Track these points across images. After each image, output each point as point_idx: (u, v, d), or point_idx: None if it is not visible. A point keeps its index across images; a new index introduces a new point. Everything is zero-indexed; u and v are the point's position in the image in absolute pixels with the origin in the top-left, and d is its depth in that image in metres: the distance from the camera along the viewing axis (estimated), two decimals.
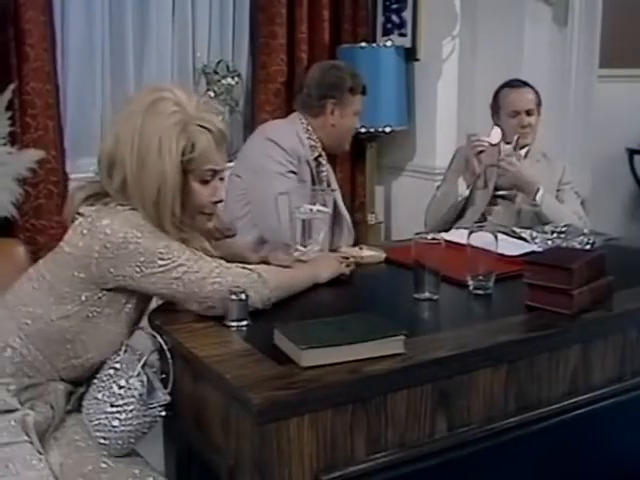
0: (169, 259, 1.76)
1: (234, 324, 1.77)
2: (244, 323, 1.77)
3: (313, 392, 1.49)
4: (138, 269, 1.75)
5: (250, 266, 1.90)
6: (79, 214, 1.82)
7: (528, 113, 3.10)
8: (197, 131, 1.80)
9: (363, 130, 3.95)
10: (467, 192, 3.07)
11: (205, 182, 1.86)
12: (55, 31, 3.35)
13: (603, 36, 3.95)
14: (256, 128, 3.82)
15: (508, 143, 3.01)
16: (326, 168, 2.96)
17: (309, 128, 2.88)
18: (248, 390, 1.46)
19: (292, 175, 2.77)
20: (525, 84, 3.17)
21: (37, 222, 3.31)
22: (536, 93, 3.15)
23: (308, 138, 2.86)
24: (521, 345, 1.78)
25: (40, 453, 1.71)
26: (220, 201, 1.94)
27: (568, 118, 3.94)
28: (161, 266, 1.75)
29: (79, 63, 3.55)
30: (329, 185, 2.97)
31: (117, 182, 1.81)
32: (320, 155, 2.91)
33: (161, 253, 1.76)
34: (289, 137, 2.82)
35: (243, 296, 1.76)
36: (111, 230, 1.74)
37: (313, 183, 2.81)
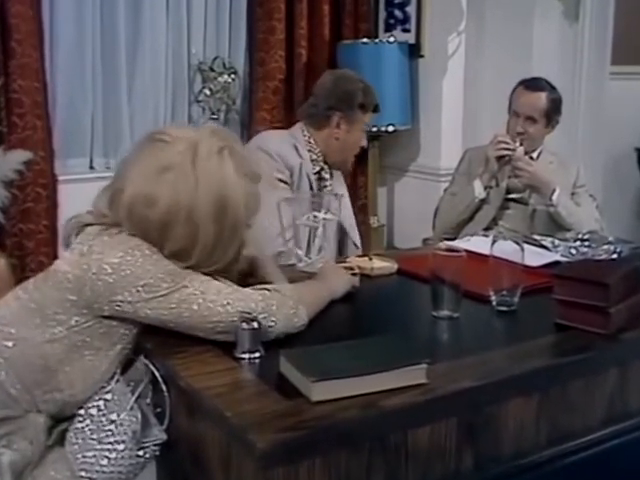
0: (172, 281, 1.58)
1: (245, 356, 1.57)
2: (257, 355, 1.57)
3: (325, 431, 1.33)
4: (138, 294, 1.57)
5: (265, 285, 1.73)
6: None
7: (529, 119, 2.96)
8: None
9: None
10: (484, 194, 2.99)
11: None
12: (44, 26, 3.29)
13: (615, 32, 3.85)
14: (253, 127, 3.73)
15: None
16: (330, 183, 2.80)
17: (311, 141, 2.72)
18: (251, 430, 1.28)
19: (282, 185, 2.61)
20: (542, 88, 2.99)
21: (25, 226, 3.26)
22: (550, 100, 2.97)
23: (309, 151, 2.71)
24: (554, 371, 1.63)
25: None
26: None
27: (579, 117, 3.82)
28: (164, 289, 1.58)
29: (69, 60, 3.47)
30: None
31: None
32: (322, 169, 2.76)
33: (164, 274, 1.58)
34: (280, 146, 2.67)
35: (255, 324, 1.57)
36: (110, 249, 1.59)
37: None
